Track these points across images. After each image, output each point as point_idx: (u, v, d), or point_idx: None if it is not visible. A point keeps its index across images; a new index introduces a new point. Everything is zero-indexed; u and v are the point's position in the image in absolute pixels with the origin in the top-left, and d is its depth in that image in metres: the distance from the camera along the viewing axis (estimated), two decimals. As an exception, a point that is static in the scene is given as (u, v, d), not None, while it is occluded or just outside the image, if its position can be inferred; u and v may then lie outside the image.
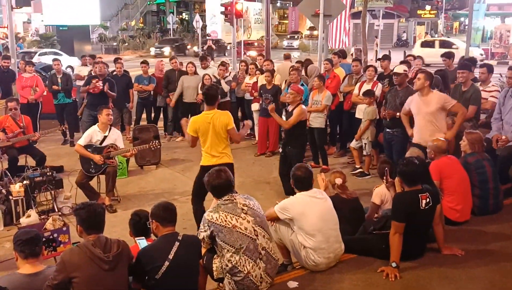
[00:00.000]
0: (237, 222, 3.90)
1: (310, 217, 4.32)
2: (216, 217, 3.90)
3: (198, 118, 5.64)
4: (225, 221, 3.88)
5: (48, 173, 6.63)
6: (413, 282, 4.23)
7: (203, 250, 4.02)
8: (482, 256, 4.69)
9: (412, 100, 6.41)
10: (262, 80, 9.53)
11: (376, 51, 26.94)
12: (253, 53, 26.27)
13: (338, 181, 5.15)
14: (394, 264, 4.29)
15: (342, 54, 10.87)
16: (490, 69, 7.67)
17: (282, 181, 7.06)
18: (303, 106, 6.94)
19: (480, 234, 5.16)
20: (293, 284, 4.23)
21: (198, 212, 5.59)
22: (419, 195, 4.39)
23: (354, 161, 8.53)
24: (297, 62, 10.57)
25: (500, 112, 6.37)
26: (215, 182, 4.07)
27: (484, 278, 4.32)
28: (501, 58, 27.60)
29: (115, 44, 39.31)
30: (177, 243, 3.65)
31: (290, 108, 7.00)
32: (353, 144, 8.13)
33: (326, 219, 4.42)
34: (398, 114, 6.95)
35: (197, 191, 5.66)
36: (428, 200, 4.39)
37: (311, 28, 39.70)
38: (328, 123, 9.11)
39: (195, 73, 10.31)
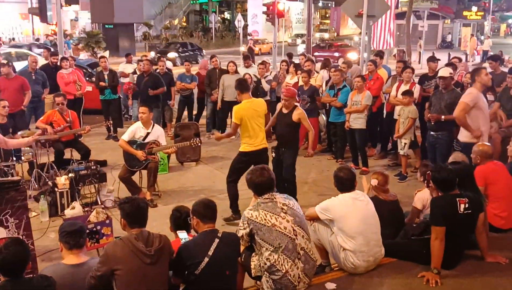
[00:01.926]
0: (277, 221, 3.91)
1: (351, 219, 4.28)
2: (256, 215, 3.92)
3: (240, 106, 6.17)
4: (265, 219, 3.90)
5: (92, 167, 6.82)
6: (455, 289, 4.14)
7: (242, 248, 4.04)
8: (528, 265, 4.54)
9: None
10: (311, 81, 9.45)
11: (420, 52, 26.40)
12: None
13: (374, 182, 5.08)
14: (435, 270, 4.20)
15: (379, 55, 10.74)
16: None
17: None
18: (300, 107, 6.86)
19: (526, 243, 4.99)
20: (331, 285, 4.21)
21: (231, 190, 6.29)
22: (457, 199, 4.30)
23: (395, 164, 8.41)
24: (343, 62, 10.49)
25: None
26: (258, 180, 4.10)
27: (530, 288, 4.19)
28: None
29: (158, 42, 39.99)
30: (216, 240, 3.69)
31: (284, 110, 6.67)
32: (402, 151, 7.93)
33: (368, 222, 4.37)
34: (443, 117, 6.80)
35: (235, 169, 6.29)
36: (467, 205, 4.27)
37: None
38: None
39: (236, 72, 10.38)
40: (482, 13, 48.22)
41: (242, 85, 6.29)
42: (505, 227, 5.18)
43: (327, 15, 55.07)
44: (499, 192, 5.19)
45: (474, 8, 49.93)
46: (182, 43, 33.01)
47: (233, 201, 6.27)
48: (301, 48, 28.71)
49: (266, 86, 10.13)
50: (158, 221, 5.86)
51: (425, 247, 4.32)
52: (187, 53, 29.55)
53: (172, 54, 27.66)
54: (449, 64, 9.18)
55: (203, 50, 31.58)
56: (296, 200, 6.39)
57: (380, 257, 4.45)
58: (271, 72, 11.02)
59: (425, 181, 5.13)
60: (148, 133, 7.03)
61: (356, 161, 8.50)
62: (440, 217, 4.26)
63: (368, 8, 10.82)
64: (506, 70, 8.61)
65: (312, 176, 8.04)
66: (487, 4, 48.13)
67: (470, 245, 4.58)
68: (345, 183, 4.46)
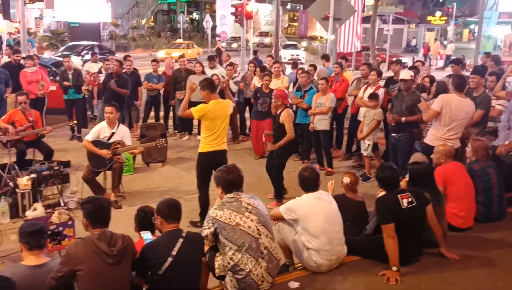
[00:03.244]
0: (241, 220, 3.94)
1: (315, 219, 4.35)
2: (221, 215, 3.94)
3: (207, 105, 6.03)
4: (229, 218, 3.93)
5: (55, 168, 6.70)
6: (414, 286, 4.25)
7: (206, 248, 4.06)
8: (484, 262, 4.71)
9: None
10: (275, 83, 9.52)
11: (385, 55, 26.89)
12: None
13: (346, 180, 5.20)
14: (394, 268, 4.31)
15: (325, 57, 11.22)
16: (499, 77, 7.71)
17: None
18: (289, 110, 6.98)
19: (483, 241, 5.16)
20: (294, 284, 4.26)
21: (203, 197, 6.16)
22: (398, 195, 4.44)
23: (359, 165, 8.56)
24: (310, 65, 10.61)
25: (508, 120, 6.37)
26: (228, 177, 4.14)
27: (485, 284, 4.34)
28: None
29: (125, 42, 39.47)
30: (180, 240, 3.69)
31: (274, 111, 7.00)
32: (365, 152, 8.08)
33: (331, 221, 4.45)
34: (403, 119, 6.97)
35: (202, 177, 6.15)
36: (410, 199, 4.43)
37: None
38: (334, 126, 9.15)
39: (203, 72, 10.36)
40: (446, 18, 49.46)
41: (212, 85, 6.20)
42: (463, 226, 5.35)
43: (295, 18, 55.47)
44: (458, 192, 5.35)
45: (438, 13, 51.18)
46: (88, 46, 25.35)
47: (204, 209, 6.12)
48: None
49: (234, 87, 10.15)
50: (123, 223, 5.79)
51: (381, 245, 4.42)
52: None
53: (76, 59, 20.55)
54: (412, 67, 9.41)
55: (116, 54, 24.98)
56: (283, 199, 6.58)
57: (342, 255, 4.53)
58: (239, 73, 11.04)
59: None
60: (113, 133, 6.96)
61: (321, 162, 8.62)
62: (386, 215, 4.40)
63: (335, 11, 10.99)
64: (468, 74, 8.88)
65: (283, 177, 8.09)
66: (450, 10, 49.41)
67: (428, 243, 4.71)
68: (309, 183, 4.53)
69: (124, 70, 10.48)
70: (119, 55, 19.39)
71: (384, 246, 4.39)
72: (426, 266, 4.57)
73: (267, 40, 41.06)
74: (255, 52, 13.99)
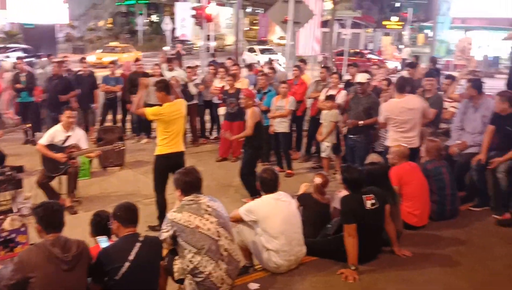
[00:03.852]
0: (200, 222, 3.91)
1: (274, 220, 4.38)
2: (180, 217, 3.90)
3: (162, 107, 5.91)
4: (188, 221, 3.89)
5: (7, 173, 6.46)
6: (371, 284, 4.33)
7: (165, 251, 4.01)
8: (438, 259, 4.85)
9: None
10: (238, 85, 9.50)
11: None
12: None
13: (317, 180, 5.27)
14: (353, 267, 4.38)
15: (249, 67, 11.60)
16: (454, 79, 7.99)
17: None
18: (256, 108, 7.07)
19: (437, 239, 5.32)
20: (254, 285, 4.27)
21: (160, 200, 6.09)
22: (363, 196, 4.52)
23: (318, 166, 8.65)
24: (269, 67, 10.67)
25: (461, 121, 6.58)
26: (187, 178, 4.09)
27: (440, 281, 4.46)
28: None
29: (82, 44, 38.63)
30: (138, 244, 3.64)
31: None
32: (324, 154, 8.18)
33: (290, 222, 4.48)
34: (361, 122, 7.11)
35: (159, 179, 6.08)
36: (374, 201, 4.51)
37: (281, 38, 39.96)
38: (293, 128, 9.22)
39: (161, 75, 10.24)
40: (402, 23, 50.79)
41: (167, 87, 6.09)
42: (418, 225, 5.49)
43: (256, 22, 55.72)
44: (412, 191, 5.49)
45: (394, 18, 52.52)
46: (14, 48, 24.10)
47: (162, 212, 6.06)
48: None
49: (193, 90, 10.10)
50: (79, 228, 5.62)
51: (342, 244, 4.49)
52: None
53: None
54: (365, 70, 9.61)
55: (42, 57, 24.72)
56: (255, 196, 6.57)
57: (301, 256, 4.58)
58: (198, 75, 10.99)
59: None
60: (68, 137, 6.78)
61: (281, 164, 8.67)
62: (349, 215, 4.48)
63: (294, 14, 11.07)
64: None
65: (238, 179, 8.06)
66: (406, 15, 50.72)
67: (385, 242, 4.82)
68: (268, 184, 4.56)
69: (79, 73, 10.26)
70: (74, 58, 18.90)
71: (344, 246, 4.46)
72: (384, 264, 4.66)
73: (213, 44, 40.04)
74: (213, 54, 14.12)
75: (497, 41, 34.27)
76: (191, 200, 4.01)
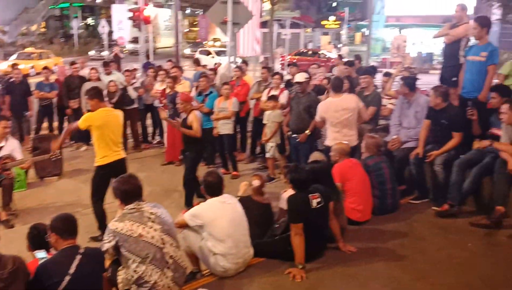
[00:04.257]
0: (144, 230, 3.80)
1: (220, 223, 4.34)
2: (122, 227, 3.78)
3: (94, 114, 5.75)
4: (131, 230, 3.78)
5: None
6: (318, 281, 4.37)
7: (107, 262, 3.87)
8: (382, 253, 4.96)
9: None
10: (180, 88, 9.37)
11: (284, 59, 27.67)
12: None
13: (255, 182, 5.26)
14: (300, 266, 4.41)
15: (196, 62, 11.53)
16: (390, 76, 8.24)
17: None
18: (197, 112, 7.00)
19: (380, 233, 5.44)
20: (202, 291, 4.21)
21: (97, 209, 5.93)
22: (309, 195, 4.57)
23: (264, 167, 8.67)
24: (210, 69, 10.60)
25: (398, 118, 6.77)
26: (125, 187, 3.97)
27: (384, 273, 4.56)
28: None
29: (14, 50, 36.95)
30: (78, 257, 3.50)
31: (183, 115, 7.08)
32: (268, 154, 8.20)
33: (237, 224, 4.46)
34: (307, 132, 7.20)
35: (97, 188, 5.91)
36: (319, 199, 4.57)
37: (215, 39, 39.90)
38: (237, 129, 9.21)
39: (98, 79, 9.95)
40: (339, 22, 52.07)
41: (100, 93, 5.92)
42: (362, 220, 5.61)
43: (195, 23, 55.37)
44: (355, 187, 5.60)
45: (332, 18, 53.79)
46: None
47: (101, 221, 5.90)
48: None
49: (133, 94, 9.88)
50: (16, 243, 5.36)
51: (289, 244, 4.51)
52: None
53: None
54: (305, 70, 9.74)
55: None
56: (191, 204, 6.47)
57: (249, 258, 4.56)
58: (138, 79, 10.76)
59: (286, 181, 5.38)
60: (1, 147, 6.46)
61: (226, 166, 8.63)
62: (296, 215, 4.51)
63: (233, 16, 11.06)
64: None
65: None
66: (343, 14, 52.02)
67: (330, 238, 4.88)
68: (213, 187, 4.52)
69: (11, 80, 9.81)
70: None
71: (291, 245, 4.48)
72: (329, 261, 4.72)
73: (151, 45, 37.88)
74: (147, 56, 14.05)
75: (430, 38, 35.79)
76: (133, 208, 3.89)
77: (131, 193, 3.96)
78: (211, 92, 8.84)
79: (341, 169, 5.58)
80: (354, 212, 5.52)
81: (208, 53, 31.49)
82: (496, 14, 24.01)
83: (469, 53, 6.80)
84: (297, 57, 28.61)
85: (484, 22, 6.63)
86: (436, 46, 30.66)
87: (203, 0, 39.49)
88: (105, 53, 31.51)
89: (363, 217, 5.62)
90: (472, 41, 7.06)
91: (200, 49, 33.90)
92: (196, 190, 6.86)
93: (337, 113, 6.44)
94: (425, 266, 4.67)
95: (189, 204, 6.73)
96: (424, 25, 38.18)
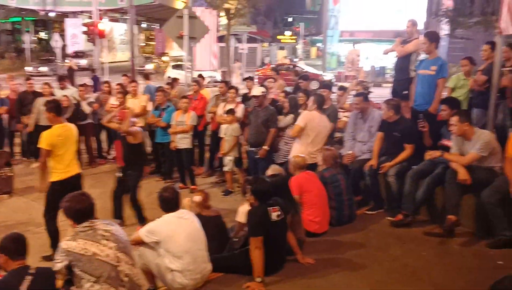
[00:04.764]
0: (98, 249, 3.70)
1: (177, 239, 4.28)
2: (74, 246, 3.66)
3: (52, 131, 5.63)
4: (84, 249, 3.67)
5: None
6: (278, 295, 4.37)
7: (59, 282, 3.74)
8: (340, 263, 5.01)
9: None
10: (133, 102, 9.21)
11: (240, 73, 27.77)
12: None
13: (197, 199, 5.20)
14: (258, 279, 4.39)
15: (146, 76, 11.70)
16: (345, 90, 8.45)
17: (114, 204, 6.95)
18: (136, 129, 6.87)
19: (337, 244, 5.50)
20: (159, 309, 4.13)
21: (51, 227, 5.72)
22: (269, 208, 4.58)
23: (222, 180, 8.64)
24: (167, 83, 10.53)
25: (352, 131, 6.91)
26: (78, 206, 3.84)
27: (342, 284, 4.60)
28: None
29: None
30: (29, 277, 3.38)
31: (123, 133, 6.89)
32: (226, 168, 8.17)
33: (194, 239, 4.41)
34: (266, 147, 7.27)
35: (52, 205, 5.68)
36: (279, 212, 4.60)
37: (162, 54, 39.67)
38: (195, 143, 9.15)
39: (52, 94, 9.70)
40: (295, 37, 52.88)
41: (58, 107, 5.80)
42: (319, 231, 5.66)
43: (152, 37, 54.97)
44: (312, 199, 5.66)
45: (288, 33, 54.60)
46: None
47: (54, 239, 5.66)
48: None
49: (87, 109, 9.68)
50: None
51: (248, 258, 4.49)
52: None
53: None
54: (261, 85, 9.84)
55: None
56: (143, 220, 6.34)
57: (207, 273, 4.51)
58: (92, 94, 10.56)
59: (246, 195, 5.37)
60: None
61: (184, 180, 8.55)
62: (256, 228, 4.51)
63: (189, 30, 11.06)
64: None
65: (141, 199, 7.83)
66: (298, 29, 52.89)
67: (288, 251, 4.90)
68: (169, 203, 4.47)
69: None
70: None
71: (250, 259, 4.46)
72: (288, 273, 4.72)
73: (83, 62, 34.84)
74: (93, 70, 13.91)
75: (382, 52, 36.79)
76: (86, 226, 3.79)
77: (83, 212, 3.84)
78: (168, 106, 8.77)
79: (299, 181, 5.63)
80: (312, 224, 5.57)
81: (179, 67, 31.20)
82: (444, 29, 24.96)
83: (419, 67, 7.05)
84: (272, 72, 28.78)
85: (433, 37, 6.90)
86: (388, 60, 31.57)
87: (160, 14, 39.18)
88: (44, 69, 30.82)
89: (321, 228, 5.68)
90: (422, 55, 7.31)
91: (173, 64, 33.13)
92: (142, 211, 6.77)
93: (319, 127, 6.66)
94: (382, 276, 4.75)
95: (142, 221, 6.61)
96: (377, 39, 39.27)
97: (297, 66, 31.51)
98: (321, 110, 7.00)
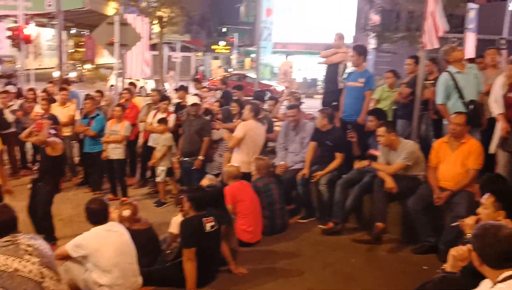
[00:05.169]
0: (20, 265, 3.49)
1: (106, 252, 4.13)
2: (-6, 262, 3.45)
3: None
4: (5, 265, 3.45)
5: None
6: (210, 306, 4.33)
7: (-24, 303, 3.50)
8: (273, 272, 5.06)
9: None
10: (61, 110, 8.80)
11: (172, 82, 27.48)
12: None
13: (126, 213, 5.03)
14: (191, 291, 4.34)
15: (66, 82, 11.33)
16: (277, 101, 8.58)
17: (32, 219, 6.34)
18: (56, 139, 6.36)
19: (270, 253, 5.55)
20: (86, 326, 3.96)
21: None
22: (203, 219, 4.56)
23: (154, 191, 8.47)
24: (96, 91, 10.20)
25: (284, 142, 7.01)
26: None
27: (274, 292, 4.64)
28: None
29: None
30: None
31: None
32: (159, 178, 8.00)
33: (123, 253, 4.28)
34: (200, 157, 7.22)
35: None
36: (213, 223, 4.58)
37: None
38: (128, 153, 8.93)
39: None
40: (229, 47, 53.13)
41: None
42: (253, 241, 5.69)
43: (81, 43, 53.34)
44: (246, 209, 5.68)
45: (222, 43, 54.78)
46: None
47: None
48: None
49: (10, 117, 9.20)
50: None
51: (180, 270, 4.42)
52: None
53: None
54: (196, 94, 9.80)
55: None
56: (53, 240, 5.95)
57: (137, 287, 4.39)
58: (15, 101, 10.04)
59: (179, 206, 5.30)
60: None
61: (115, 191, 8.30)
62: (189, 239, 4.47)
63: (120, 37, 10.81)
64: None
65: (67, 211, 7.52)
66: (232, 40, 53.19)
67: (221, 261, 4.88)
68: (97, 215, 4.31)
69: None
70: None
71: (182, 271, 4.39)
72: (221, 284, 4.72)
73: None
74: (9, 76, 13.22)
75: (314, 64, 37.74)
76: (8, 241, 3.56)
77: (4, 225, 3.62)
78: (97, 115, 8.50)
79: (232, 191, 5.63)
80: (245, 234, 5.58)
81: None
82: (372, 43, 25.99)
83: (348, 79, 7.29)
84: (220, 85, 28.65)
85: (361, 51, 7.18)
86: (319, 72, 32.42)
87: (90, 20, 38.02)
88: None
89: (254, 238, 5.70)
90: (351, 68, 7.58)
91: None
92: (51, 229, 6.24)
93: (257, 136, 6.73)
94: (313, 284, 4.84)
95: (52, 240, 6.19)
96: (309, 52, 40.26)
97: (247, 76, 31.77)
98: (257, 119, 7.04)
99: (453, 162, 5.30)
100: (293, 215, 6.61)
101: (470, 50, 12.70)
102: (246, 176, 6.41)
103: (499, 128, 5.40)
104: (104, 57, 45.96)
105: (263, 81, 30.18)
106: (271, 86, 29.35)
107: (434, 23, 6.23)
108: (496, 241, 2.46)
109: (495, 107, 5.45)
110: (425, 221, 5.44)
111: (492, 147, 5.54)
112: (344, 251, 5.62)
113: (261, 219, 5.88)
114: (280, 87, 29.31)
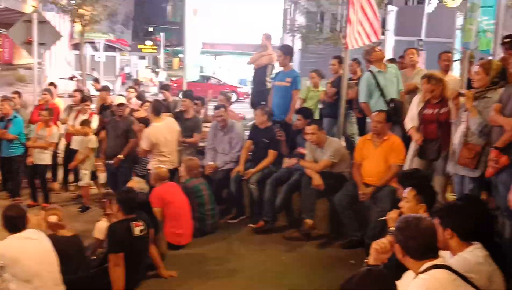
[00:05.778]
0: None
1: (25, 261, 3.89)
2: None
3: None
4: None
5: None
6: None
7: None
8: (203, 274, 5.01)
9: None
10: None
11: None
12: None
13: (53, 219, 4.77)
14: (119, 298, 4.19)
15: None
16: (203, 101, 8.51)
17: None
18: None
19: (200, 255, 5.48)
20: None
21: None
22: (131, 223, 4.44)
23: (79, 196, 8.12)
24: (14, 92, 9.62)
25: (212, 143, 6.96)
26: None
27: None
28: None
29: None
30: None
31: None
32: (82, 182, 7.66)
33: (45, 261, 4.04)
34: (120, 156, 6.96)
35: None
36: (142, 227, 4.46)
37: None
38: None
39: None
40: (156, 47, 52.15)
41: None
42: (182, 243, 5.60)
43: (-2, 42, 50.33)
44: (175, 211, 5.58)
45: (149, 42, 53.67)
46: None
47: None
48: None
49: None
50: None
51: (106, 276, 4.26)
52: None
53: None
54: (121, 94, 9.53)
55: None
56: None
57: (60, 296, 4.17)
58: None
59: (104, 210, 5.12)
60: None
61: (35, 196, 7.87)
62: (116, 244, 4.33)
63: (38, 35, 10.30)
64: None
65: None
66: (159, 39, 52.30)
67: (150, 266, 4.75)
68: (15, 223, 4.05)
69: None
70: None
71: (108, 277, 4.23)
72: (150, 289, 4.58)
73: None
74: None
75: (243, 64, 38.00)
76: None
77: None
78: (15, 117, 8.01)
79: (160, 193, 5.52)
80: (174, 236, 5.49)
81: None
82: (298, 44, 26.52)
83: (276, 79, 7.38)
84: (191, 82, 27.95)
85: (287, 51, 7.29)
86: (249, 72, 32.62)
87: (7, 19, 35.94)
88: None
89: (184, 240, 5.61)
90: (278, 68, 7.67)
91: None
92: None
93: (165, 134, 6.49)
94: (245, 282, 4.84)
95: None
96: (237, 52, 40.46)
97: (212, 77, 31.29)
98: (158, 116, 6.76)
99: (376, 159, 5.48)
100: (223, 215, 6.56)
101: (389, 50, 13.26)
102: (172, 172, 6.34)
103: (414, 140, 5.36)
104: (24, 58, 43.70)
105: (229, 83, 30.20)
106: (237, 87, 29.38)
107: (369, 25, 6.29)
108: (418, 233, 2.55)
109: (409, 123, 5.39)
110: (351, 216, 5.60)
111: (408, 160, 5.37)
112: (274, 249, 5.66)
113: (191, 221, 5.79)
114: (244, 89, 29.38)
